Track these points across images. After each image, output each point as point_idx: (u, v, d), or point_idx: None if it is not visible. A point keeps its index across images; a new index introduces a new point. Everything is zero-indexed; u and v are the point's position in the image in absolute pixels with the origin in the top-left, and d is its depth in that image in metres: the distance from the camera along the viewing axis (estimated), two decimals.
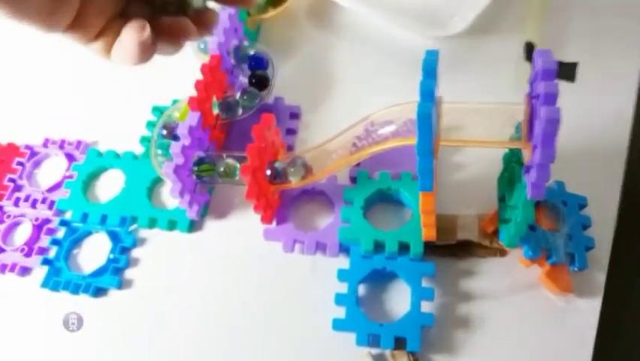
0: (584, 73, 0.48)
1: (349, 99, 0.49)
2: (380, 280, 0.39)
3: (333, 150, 0.40)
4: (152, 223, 0.43)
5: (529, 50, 0.49)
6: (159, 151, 0.43)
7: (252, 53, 0.47)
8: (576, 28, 0.51)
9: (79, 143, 0.49)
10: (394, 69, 0.51)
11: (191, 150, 0.40)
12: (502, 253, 0.39)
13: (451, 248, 0.39)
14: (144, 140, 0.48)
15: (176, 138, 0.40)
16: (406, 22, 0.50)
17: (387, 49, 0.52)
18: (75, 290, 0.40)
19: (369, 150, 0.37)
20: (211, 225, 0.43)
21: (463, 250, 0.39)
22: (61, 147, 0.48)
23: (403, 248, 0.38)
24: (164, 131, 0.44)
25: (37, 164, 0.49)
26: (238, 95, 0.44)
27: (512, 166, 0.37)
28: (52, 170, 0.48)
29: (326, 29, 0.55)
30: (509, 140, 0.33)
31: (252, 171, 0.37)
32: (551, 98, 0.28)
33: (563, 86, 0.48)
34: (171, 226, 0.43)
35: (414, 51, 0.51)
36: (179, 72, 0.45)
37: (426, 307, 0.36)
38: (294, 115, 0.48)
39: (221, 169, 0.42)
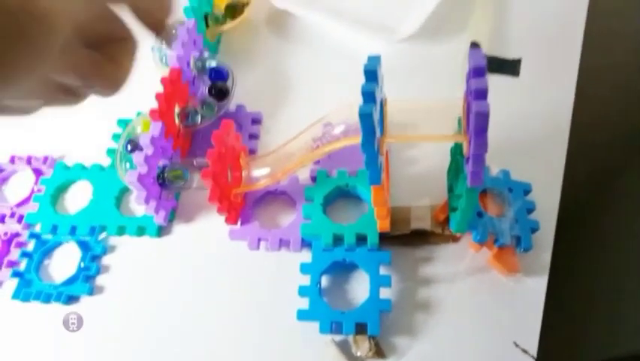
0: (527, 67, 0.51)
1: (307, 103, 0.52)
2: (341, 271, 0.41)
3: (293, 152, 0.43)
4: (121, 230, 0.45)
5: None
6: (127, 165, 0.45)
7: (213, 65, 0.49)
8: (518, 26, 0.55)
9: (46, 158, 0.50)
10: (348, 73, 0.52)
11: (154, 159, 0.42)
12: (454, 239, 0.42)
13: (406, 237, 0.42)
14: (110, 152, 0.49)
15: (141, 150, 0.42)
16: (358, 29, 0.53)
17: (341, 54, 0.55)
18: (46, 299, 0.41)
19: (324, 150, 0.39)
20: (179, 229, 0.45)
21: (418, 238, 0.42)
22: (29, 162, 0.49)
23: (361, 240, 0.40)
24: (129, 146, 0.46)
25: (4, 180, 0.50)
26: (198, 105, 0.46)
27: (457, 158, 0.39)
28: (20, 185, 0.49)
29: (283, 37, 0.57)
30: (452, 134, 0.36)
31: (213, 176, 0.38)
32: (481, 94, 0.30)
33: (507, 80, 0.51)
34: (140, 231, 0.44)
35: (366, 55, 0.54)
36: (142, 85, 0.46)
37: (384, 293, 0.39)
38: (256, 120, 0.50)
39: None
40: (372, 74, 0.32)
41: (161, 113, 0.43)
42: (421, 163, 0.47)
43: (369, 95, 0.31)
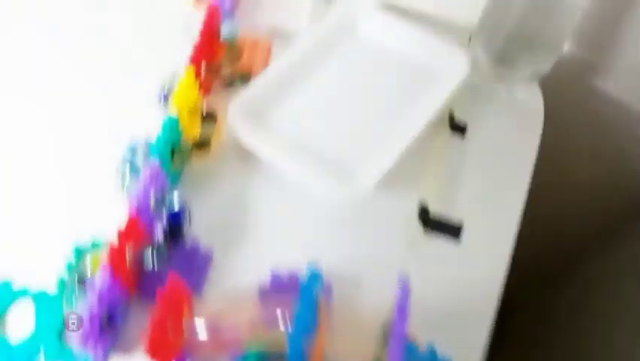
0: (466, 236, 0.55)
1: (260, 247, 0.54)
2: None
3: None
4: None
5: (423, 213, 0.55)
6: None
7: (172, 208, 0.51)
8: (465, 191, 0.59)
9: None
10: (305, 221, 0.55)
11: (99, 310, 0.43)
12: None
13: None
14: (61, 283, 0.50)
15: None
16: (318, 180, 0.56)
17: (302, 202, 0.57)
18: None
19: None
20: None
21: None
22: None
23: None
24: (77, 279, 0.47)
25: None
26: (149, 251, 0.48)
27: None
28: None
29: (248, 176, 0.59)
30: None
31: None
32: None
33: (445, 248, 0.55)
34: None
35: (325, 206, 0.57)
36: (104, 212, 0.49)
37: None
38: (206, 259, 0.52)
39: None
40: (308, 302, 0.35)
41: (112, 267, 0.45)
42: None
43: (301, 324, 0.34)
